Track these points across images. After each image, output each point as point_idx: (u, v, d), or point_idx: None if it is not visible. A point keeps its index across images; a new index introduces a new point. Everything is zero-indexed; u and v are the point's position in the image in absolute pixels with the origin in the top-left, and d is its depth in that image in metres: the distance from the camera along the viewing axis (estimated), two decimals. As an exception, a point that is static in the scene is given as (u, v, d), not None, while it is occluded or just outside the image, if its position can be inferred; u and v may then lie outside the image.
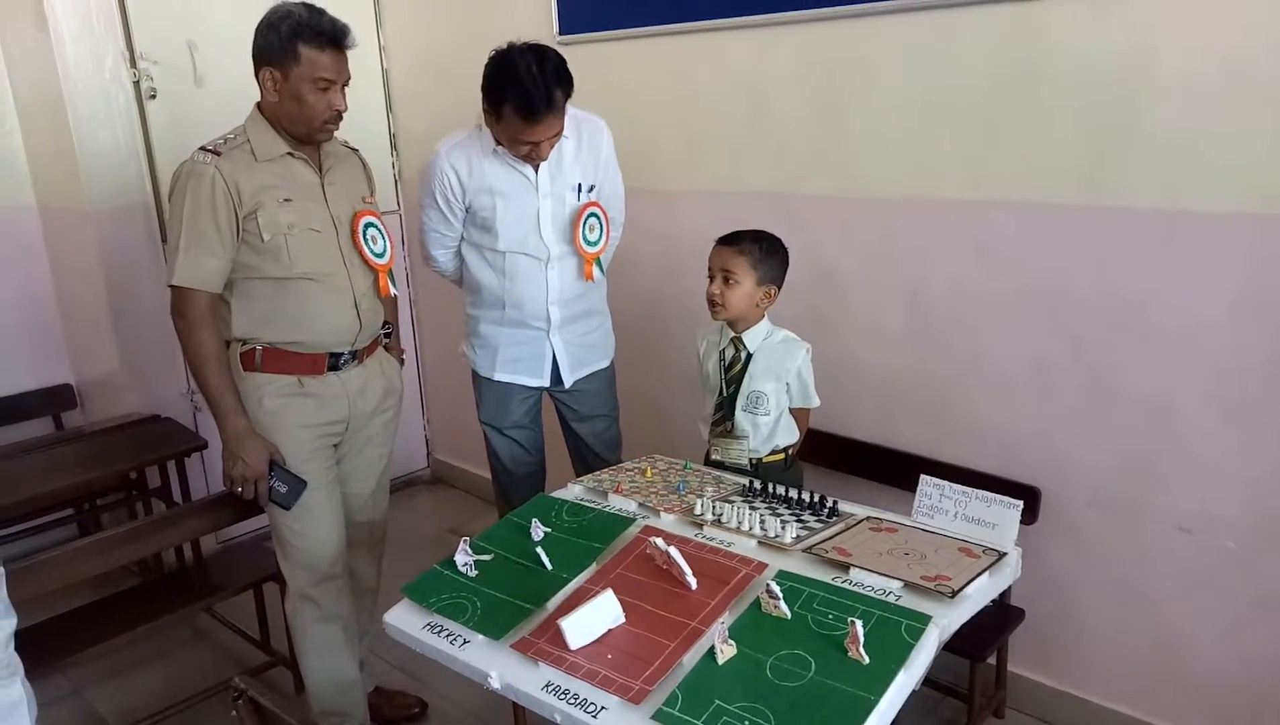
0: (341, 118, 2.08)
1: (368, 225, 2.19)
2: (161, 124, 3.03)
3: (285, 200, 2.05)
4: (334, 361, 2.16)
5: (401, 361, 2.45)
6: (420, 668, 2.61)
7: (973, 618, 2.24)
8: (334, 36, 2.01)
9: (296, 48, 1.97)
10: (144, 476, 3.05)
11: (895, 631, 1.51)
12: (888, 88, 2.29)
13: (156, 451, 2.92)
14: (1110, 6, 1.93)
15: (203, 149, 2.03)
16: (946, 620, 1.57)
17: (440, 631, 1.72)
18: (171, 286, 2.02)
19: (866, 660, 1.45)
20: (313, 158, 2.12)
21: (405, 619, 1.77)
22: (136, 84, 3.00)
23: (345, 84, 2.05)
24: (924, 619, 1.53)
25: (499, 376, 2.48)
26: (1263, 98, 1.80)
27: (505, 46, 2.17)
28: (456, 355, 2.62)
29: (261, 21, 2.02)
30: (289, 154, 2.07)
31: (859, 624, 1.47)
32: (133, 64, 2.98)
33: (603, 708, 1.46)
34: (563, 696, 1.50)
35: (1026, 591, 2.26)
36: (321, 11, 2.03)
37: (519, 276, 2.38)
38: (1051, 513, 2.22)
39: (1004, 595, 2.27)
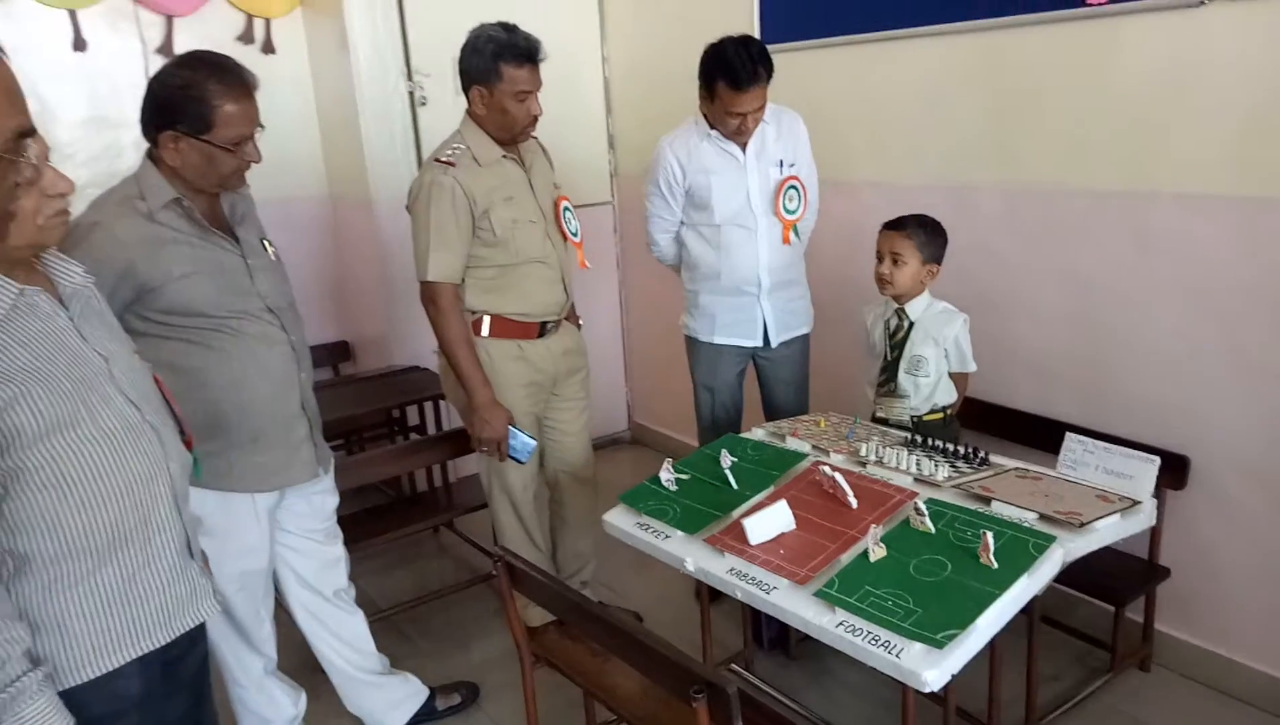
0: (537, 121, 2.47)
1: (565, 208, 2.62)
2: (429, 127, 3.65)
3: (508, 198, 2.46)
4: (542, 329, 2.61)
5: (579, 327, 2.81)
6: (619, 582, 3.10)
7: (1118, 569, 2.47)
8: (529, 53, 2.38)
9: (499, 67, 2.36)
10: (405, 414, 3.72)
11: (1023, 547, 1.80)
12: (1053, 88, 2.52)
13: (412, 394, 3.57)
14: (1266, 13, 2.10)
15: (437, 160, 2.44)
16: (1072, 545, 1.84)
17: (647, 529, 2.16)
18: (424, 282, 2.45)
19: (995, 565, 1.75)
20: (517, 156, 2.54)
21: (620, 519, 2.23)
22: (411, 94, 3.65)
23: (538, 90, 2.43)
24: (1050, 538, 1.81)
25: (717, 339, 2.84)
26: None
27: (718, 39, 2.57)
28: (655, 332, 3.05)
29: (465, 45, 2.40)
30: (503, 156, 2.49)
31: (990, 534, 1.78)
32: (409, 77, 3.64)
33: (774, 588, 1.85)
34: (743, 578, 1.90)
35: (1174, 553, 2.45)
36: (515, 29, 2.39)
37: (732, 247, 2.74)
38: (1200, 481, 2.39)
39: (1151, 553, 2.46)
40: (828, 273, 3.12)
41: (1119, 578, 2.43)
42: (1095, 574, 2.43)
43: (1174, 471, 2.38)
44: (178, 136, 1.83)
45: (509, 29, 2.39)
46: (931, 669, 1.58)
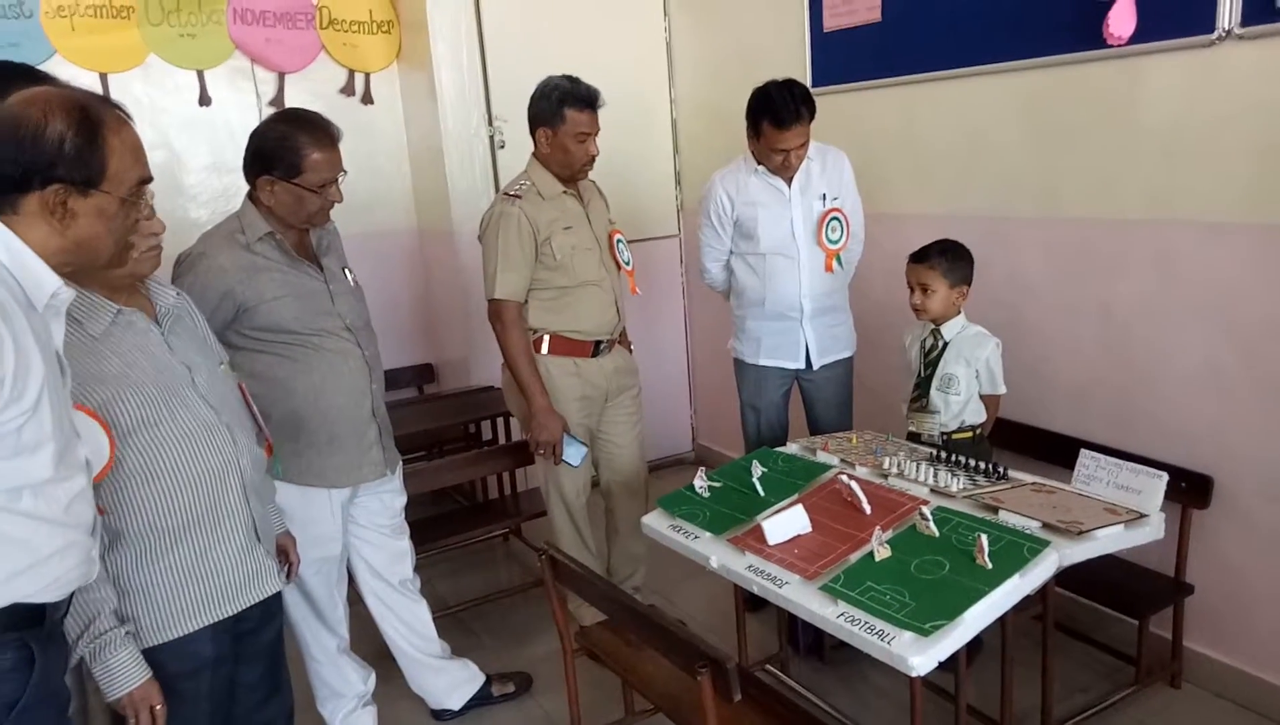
0: (594, 161, 2.74)
1: (618, 241, 2.89)
2: (506, 167, 3.97)
3: (566, 228, 2.74)
4: (596, 348, 2.84)
5: (630, 350, 3.03)
6: (670, 590, 3.28)
7: (1142, 585, 2.54)
8: (589, 100, 2.68)
9: (563, 111, 2.65)
10: (479, 429, 4.02)
11: (1018, 550, 1.92)
12: (1084, 124, 2.63)
13: (486, 411, 3.87)
14: (1272, 57, 2.19)
15: (505, 194, 2.75)
16: (1068, 550, 1.94)
17: (679, 530, 2.35)
18: (492, 299, 2.74)
19: (990, 566, 1.88)
20: (576, 192, 2.82)
21: (658, 521, 2.43)
22: (491, 137, 3.99)
23: (596, 134, 2.71)
24: (1044, 543, 1.93)
25: (762, 361, 3.03)
26: None
27: (764, 83, 2.78)
28: (719, 358, 3.25)
29: (535, 93, 2.71)
30: (564, 192, 2.77)
31: (985, 537, 1.90)
32: (490, 122, 3.98)
33: (786, 582, 2.02)
34: (759, 574, 2.08)
35: (1201, 571, 2.49)
36: (578, 80, 2.69)
37: (776, 275, 2.93)
38: (1225, 500, 2.43)
39: (1177, 570, 2.51)
40: (873, 299, 3.27)
41: (1142, 592, 2.48)
42: (1119, 589, 2.52)
43: (1197, 491, 2.43)
44: (273, 181, 2.15)
45: (573, 80, 2.70)
46: (918, 655, 1.72)
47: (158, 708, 1.55)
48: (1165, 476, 2.10)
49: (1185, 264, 2.46)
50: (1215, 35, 2.28)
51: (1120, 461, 2.19)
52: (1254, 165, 2.28)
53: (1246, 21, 2.22)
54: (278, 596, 1.87)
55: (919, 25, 3.07)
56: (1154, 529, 2.07)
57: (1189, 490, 2.44)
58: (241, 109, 3.91)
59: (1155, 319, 2.55)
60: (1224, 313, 2.40)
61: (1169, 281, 2.50)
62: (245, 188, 2.22)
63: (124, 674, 1.52)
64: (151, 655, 1.60)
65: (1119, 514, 2.07)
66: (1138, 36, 2.44)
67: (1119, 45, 2.47)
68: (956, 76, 2.98)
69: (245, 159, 2.18)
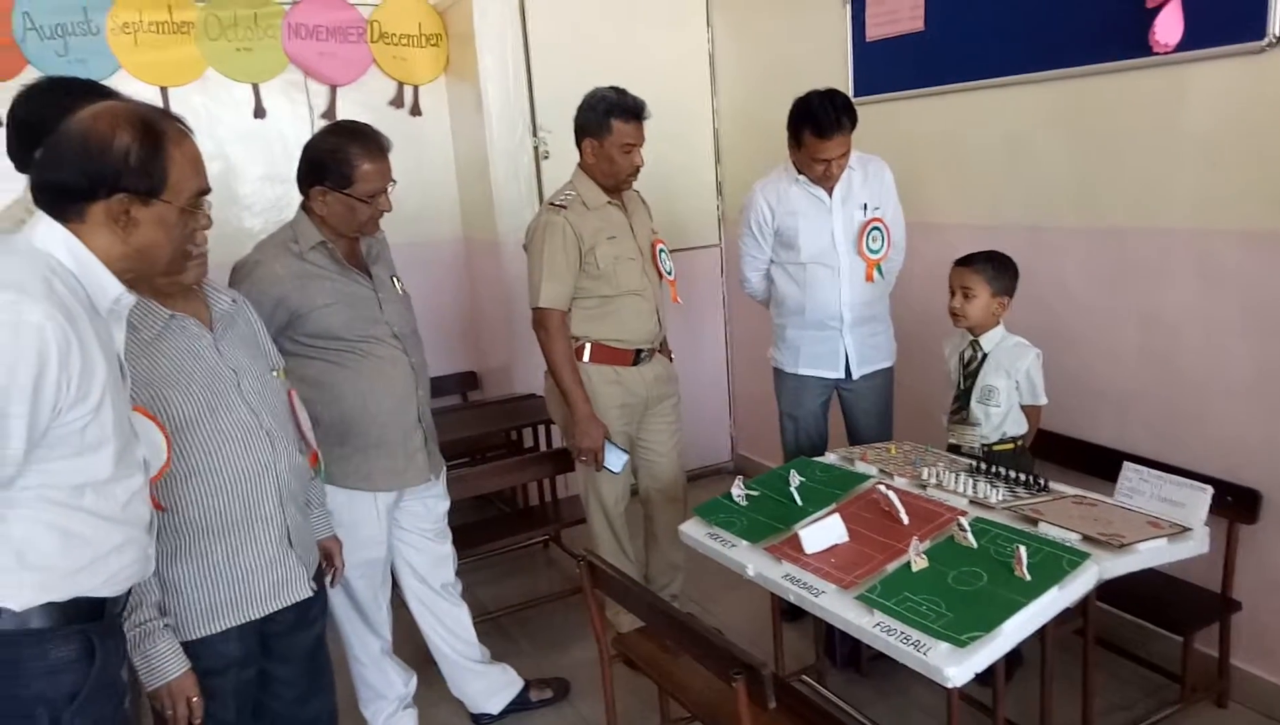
0: (639, 171, 2.77)
1: (660, 250, 2.92)
2: (550, 177, 4.03)
3: (610, 237, 2.78)
4: (637, 357, 2.87)
5: (670, 359, 3.06)
6: (709, 599, 3.29)
7: (1186, 600, 2.50)
8: (636, 111, 2.72)
9: (610, 122, 2.70)
10: (521, 436, 4.07)
11: (1058, 563, 1.91)
12: (1128, 132, 2.60)
13: (528, 418, 3.92)
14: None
15: (551, 204, 2.79)
16: (1109, 564, 1.92)
17: (716, 538, 2.36)
18: (536, 308, 2.78)
19: (1029, 578, 1.87)
20: (620, 203, 2.85)
21: (695, 529, 2.44)
22: (536, 148, 4.05)
23: (641, 145, 2.74)
24: (1084, 555, 1.91)
25: (801, 371, 3.03)
26: None
27: (805, 93, 2.80)
28: (759, 368, 3.26)
29: (582, 104, 2.76)
30: (609, 202, 2.81)
31: (1023, 549, 1.89)
32: (534, 134, 4.04)
33: (822, 591, 2.02)
34: (795, 583, 2.08)
35: (1249, 588, 2.44)
36: (625, 92, 2.73)
37: (816, 285, 2.93)
38: (1274, 515, 2.38)
39: (1224, 586, 2.46)
40: (914, 309, 3.25)
41: (1187, 608, 2.44)
42: (1163, 604, 2.48)
43: (1245, 506, 2.39)
44: (325, 191, 2.21)
45: (619, 91, 2.74)
46: (954, 666, 1.71)
47: (194, 700, 1.60)
48: (1210, 489, 2.07)
49: (1230, 273, 2.42)
50: (1266, 41, 2.25)
51: (1164, 474, 2.16)
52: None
53: (1299, 28, 2.20)
54: (317, 600, 1.91)
55: (962, 34, 3.06)
56: (1198, 543, 2.04)
57: (1235, 504, 2.40)
58: (295, 121, 4.02)
59: (1200, 328, 2.51)
60: (1271, 322, 2.35)
61: (1214, 290, 2.46)
62: (298, 198, 2.29)
63: (163, 664, 1.57)
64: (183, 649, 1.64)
65: (1162, 527, 2.04)
66: (1185, 44, 2.41)
67: (1165, 53, 2.45)
68: (999, 85, 2.96)
69: (299, 170, 2.25)
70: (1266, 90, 2.28)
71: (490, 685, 2.73)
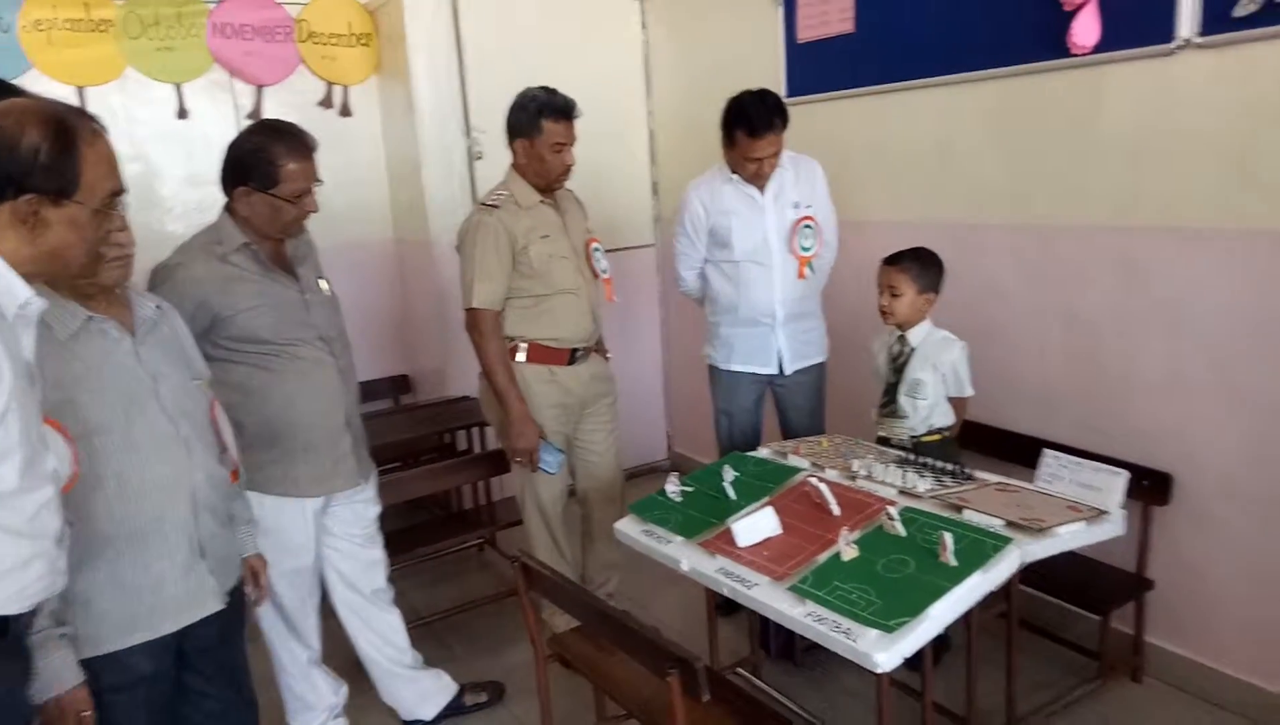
0: (571, 171, 2.78)
1: (595, 249, 2.92)
2: (484, 178, 3.98)
3: (544, 236, 2.77)
4: (573, 356, 2.87)
5: (607, 358, 3.06)
6: (645, 597, 3.30)
7: (1103, 580, 2.59)
8: (566, 111, 2.71)
9: (540, 122, 2.69)
10: (454, 439, 4.03)
11: (982, 548, 1.96)
12: (1050, 131, 2.68)
13: (461, 421, 3.88)
14: (1234, 57, 2.25)
15: (482, 205, 2.78)
16: (1031, 547, 1.98)
17: (651, 535, 2.37)
18: (469, 308, 2.76)
19: (954, 563, 1.91)
20: (553, 202, 2.85)
21: (630, 527, 2.45)
22: (469, 149, 4.02)
23: (572, 144, 2.74)
24: (1006, 540, 1.96)
25: (734, 367, 3.06)
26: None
27: (738, 94, 2.83)
28: (695, 365, 3.28)
29: (513, 104, 2.74)
30: (541, 201, 2.80)
31: (948, 536, 1.94)
32: (467, 134, 4.00)
33: (755, 583, 2.04)
34: (729, 576, 2.10)
35: (1162, 567, 2.54)
36: (555, 91, 2.72)
37: (749, 282, 2.96)
38: (1186, 498, 2.48)
39: (1138, 566, 2.56)
40: (845, 306, 3.31)
41: (1104, 588, 2.53)
42: (1082, 585, 2.57)
43: (1158, 488, 2.48)
44: (249, 191, 2.17)
45: (549, 91, 2.73)
46: (883, 652, 1.75)
47: (85, 714, 1.51)
48: (1126, 474, 2.16)
49: (1149, 268, 2.51)
50: (1175, 44, 2.34)
51: (1082, 460, 2.24)
52: (1214, 171, 2.33)
53: (1205, 31, 2.28)
54: (236, 614, 1.86)
55: (890, 36, 3.13)
56: (1115, 525, 2.12)
57: (1150, 488, 2.49)
58: (219, 122, 3.91)
59: (1120, 323, 2.60)
60: (1186, 316, 2.45)
61: (1133, 286, 2.56)
62: (221, 200, 2.24)
63: (55, 676, 1.48)
64: (87, 665, 1.56)
65: (1080, 511, 2.11)
66: (1101, 46, 2.50)
67: (1083, 54, 2.54)
68: (928, 86, 3.03)
69: (223, 170, 2.20)
70: (1177, 90, 2.37)
71: (423, 691, 2.69)
